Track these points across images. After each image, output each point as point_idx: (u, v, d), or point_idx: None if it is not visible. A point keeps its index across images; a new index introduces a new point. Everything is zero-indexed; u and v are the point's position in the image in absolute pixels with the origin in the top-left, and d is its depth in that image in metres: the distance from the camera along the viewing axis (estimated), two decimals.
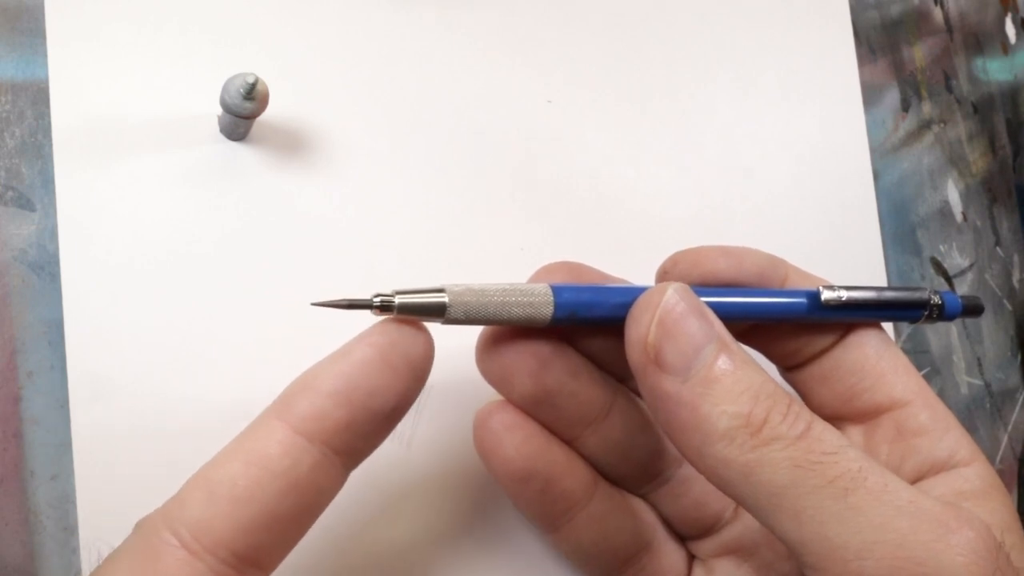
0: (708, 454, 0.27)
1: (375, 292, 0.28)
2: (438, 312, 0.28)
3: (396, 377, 0.27)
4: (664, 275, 0.34)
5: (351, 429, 0.26)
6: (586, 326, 0.32)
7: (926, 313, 0.34)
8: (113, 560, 0.25)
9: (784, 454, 0.26)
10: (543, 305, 0.29)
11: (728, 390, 0.27)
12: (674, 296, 0.29)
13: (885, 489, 0.26)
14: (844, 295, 0.32)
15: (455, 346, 0.36)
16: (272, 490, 0.25)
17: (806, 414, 0.27)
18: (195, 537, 0.24)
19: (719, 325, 0.29)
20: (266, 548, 0.25)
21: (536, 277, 0.32)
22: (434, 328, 0.35)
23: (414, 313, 0.28)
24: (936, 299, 0.34)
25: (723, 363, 0.27)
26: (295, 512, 0.25)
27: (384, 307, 0.27)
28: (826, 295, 0.32)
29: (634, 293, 0.30)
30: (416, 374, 0.28)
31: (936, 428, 0.32)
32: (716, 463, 0.27)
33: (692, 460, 0.28)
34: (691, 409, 0.27)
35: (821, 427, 0.27)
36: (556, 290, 0.30)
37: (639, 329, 0.29)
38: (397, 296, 0.27)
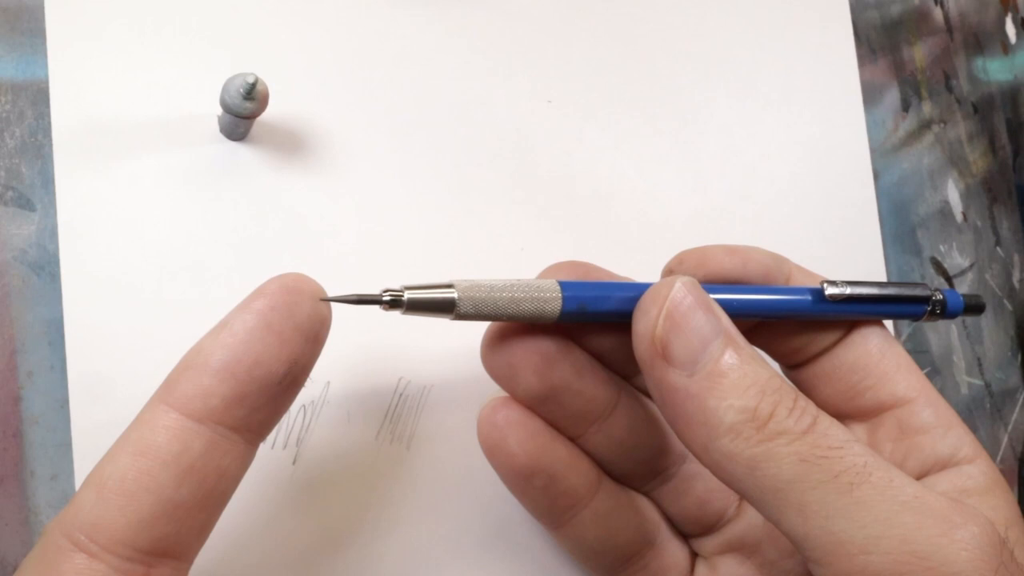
0: (714, 448, 0.27)
1: (384, 287, 0.27)
2: (448, 308, 0.28)
3: (283, 343, 0.25)
4: (669, 274, 0.34)
5: (243, 403, 0.25)
6: (593, 321, 0.32)
7: (929, 309, 0.34)
8: (20, 572, 0.24)
9: (790, 449, 0.26)
10: (552, 300, 0.29)
11: (735, 384, 0.27)
12: (682, 290, 0.29)
13: (890, 484, 0.26)
14: (848, 289, 0.32)
15: (453, 347, 0.36)
16: (165, 479, 0.24)
17: (812, 409, 0.27)
18: (91, 538, 0.23)
19: (726, 320, 0.29)
20: (173, 537, 0.24)
21: (543, 276, 0.33)
22: (433, 328, 0.35)
23: (423, 309, 0.28)
24: (938, 295, 0.35)
25: (730, 357, 0.27)
26: (196, 498, 0.24)
27: (393, 302, 0.27)
28: (830, 290, 0.32)
29: (641, 288, 0.30)
30: (307, 336, 0.26)
31: (939, 426, 0.32)
32: (722, 457, 0.27)
33: (697, 454, 0.28)
34: (697, 403, 0.27)
35: (827, 422, 0.27)
36: (564, 285, 0.30)
37: (647, 322, 0.29)
38: (406, 291, 0.27)
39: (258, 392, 0.25)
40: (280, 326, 0.25)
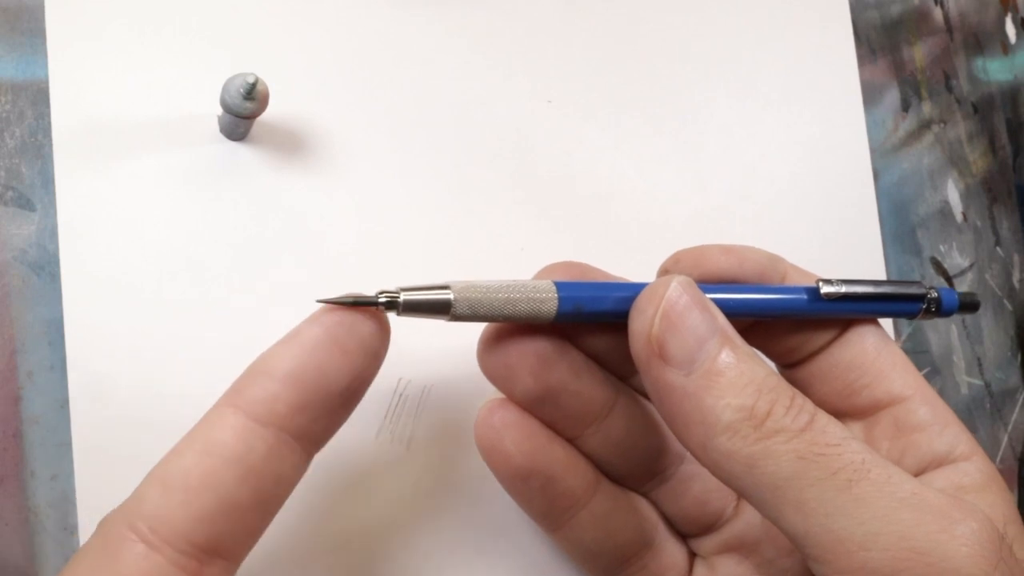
0: (712, 447, 0.27)
1: (380, 289, 0.28)
2: (443, 309, 0.28)
3: (347, 357, 0.27)
4: (665, 273, 0.34)
5: (305, 411, 0.26)
6: (590, 322, 0.32)
7: (924, 307, 0.34)
8: (76, 560, 0.25)
9: (788, 446, 0.26)
10: (548, 300, 0.29)
11: (732, 383, 0.27)
12: (678, 289, 0.29)
13: (888, 481, 0.26)
14: (843, 288, 0.32)
15: (452, 346, 0.36)
16: (227, 478, 0.25)
17: (809, 407, 0.27)
18: (152, 529, 0.24)
19: (722, 318, 0.29)
20: (227, 537, 0.25)
21: (539, 277, 0.32)
22: (433, 329, 0.35)
23: (419, 310, 0.28)
24: (933, 293, 0.35)
25: (726, 356, 0.28)
26: (254, 499, 0.25)
27: (389, 304, 0.27)
28: (825, 288, 0.32)
29: (637, 288, 0.30)
30: (368, 353, 0.27)
31: (935, 423, 0.32)
32: (720, 456, 0.27)
33: (696, 453, 0.28)
34: (695, 401, 0.27)
35: (824, 420, 0.27)
36: (560, 286, 0.30)
37: (643, 321, 0.29)
38: (402, 293, 0.28)
39: (321, 401, 0.26)
40: (345, 340, 0.27)
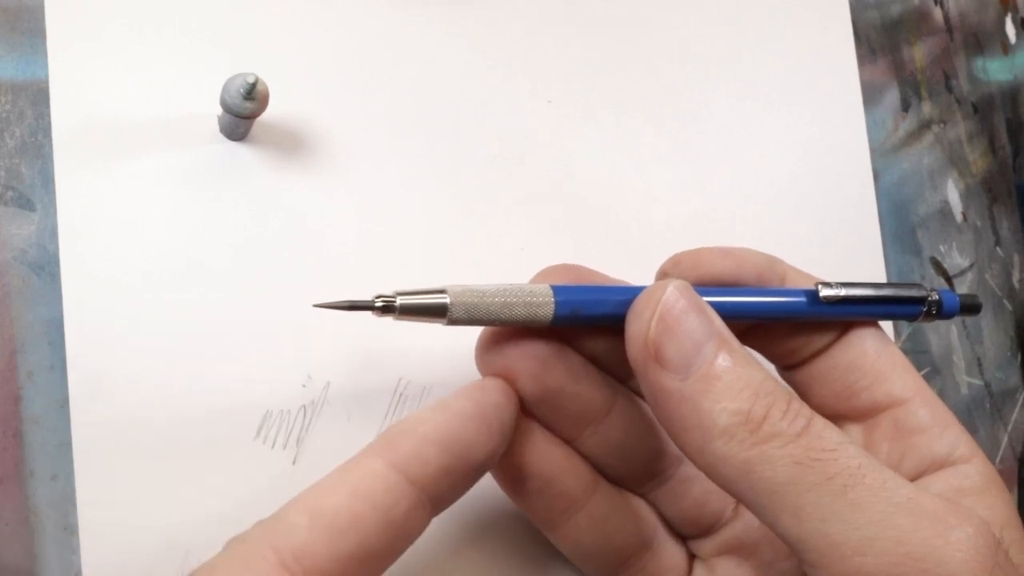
0: (708, 451, 0.27)
1: (376, 293, 0.28)
2: (440, 313, 0.28)
3: (490, 434, 0.28)
4: (664, 276, 0.34)
5: (447, 476, 0.27)
6: (587, 326, 0.32)
7: (925, 310, 0.34)
8: (205, 573, 0.25)
9: (784, 451, 0.26)
10: (544, 304, 0.29)
11: (728, 387, 0.27)
12: (674, 293, 0.29)
13: (884, 486, 0.26)
14: (842, 291, 0.32)
15: (453, 348, 0.36)
16: (371, 526, 0.26)
17: (806, 411, 0.27)
18: (297, 559, 0.24)
19: (719, 322, 0.29)
20: None
21: (536, 280, 0.32)
22: (431, 330, 0.35)
23: (416, 314, 0.28)
24: (934, 296, 0.34)
25: (723, 360, 0.27)
26: (385, 550, 0.26)
27: (386, 308, 0.28)
28: (824, 292, 0.32)
29: (635, 291, 0.30)
30: (505, 433, 0.30)
31: (935, 425, 0.32)
32: (716, 460, 0.27)
33: (692, 457, 0.28)
34: (691, 406, 0.27)
35: (821, 424, 0.27)
36: (557, 289, 0.30)
37: (640, 325, 0.29)
38: (399, 297, 0.28)
39: (460, 470, 0.28)
40: (491, 418, 0.29)
